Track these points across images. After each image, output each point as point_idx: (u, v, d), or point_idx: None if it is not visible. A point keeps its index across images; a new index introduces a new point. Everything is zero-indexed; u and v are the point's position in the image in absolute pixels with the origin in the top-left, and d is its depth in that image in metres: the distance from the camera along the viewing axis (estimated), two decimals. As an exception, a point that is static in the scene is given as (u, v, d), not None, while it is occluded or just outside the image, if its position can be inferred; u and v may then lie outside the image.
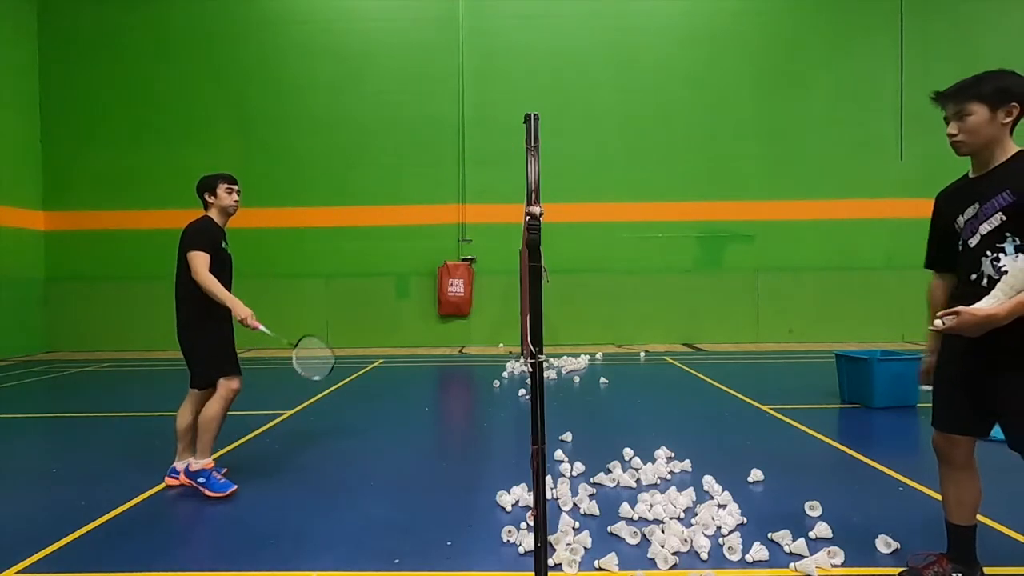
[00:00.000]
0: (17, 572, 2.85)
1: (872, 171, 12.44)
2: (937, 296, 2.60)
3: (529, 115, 2.15)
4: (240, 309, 3.81)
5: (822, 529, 3.08)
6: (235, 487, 3.83)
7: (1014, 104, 2.25)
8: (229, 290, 4.12)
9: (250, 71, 12.54)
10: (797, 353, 10.96)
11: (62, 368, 10.12)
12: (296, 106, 12.53)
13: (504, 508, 3.51)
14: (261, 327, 3.83)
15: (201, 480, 3.82)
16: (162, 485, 4.04)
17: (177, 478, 4.09)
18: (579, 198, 12.26)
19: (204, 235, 3.94)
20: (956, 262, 2.47)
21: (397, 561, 2.90)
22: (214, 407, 3.89)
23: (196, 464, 3.87)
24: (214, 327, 3.97)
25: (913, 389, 6.20)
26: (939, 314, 2.25)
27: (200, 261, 3.86)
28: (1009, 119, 2.27)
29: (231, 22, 12.59)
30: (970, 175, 2.44)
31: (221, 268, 4.01)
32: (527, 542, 2.98)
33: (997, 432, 2.41)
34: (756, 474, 3.99)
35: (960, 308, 2.19)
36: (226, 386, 3.93)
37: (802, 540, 2.93)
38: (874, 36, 12.46)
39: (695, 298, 12.46)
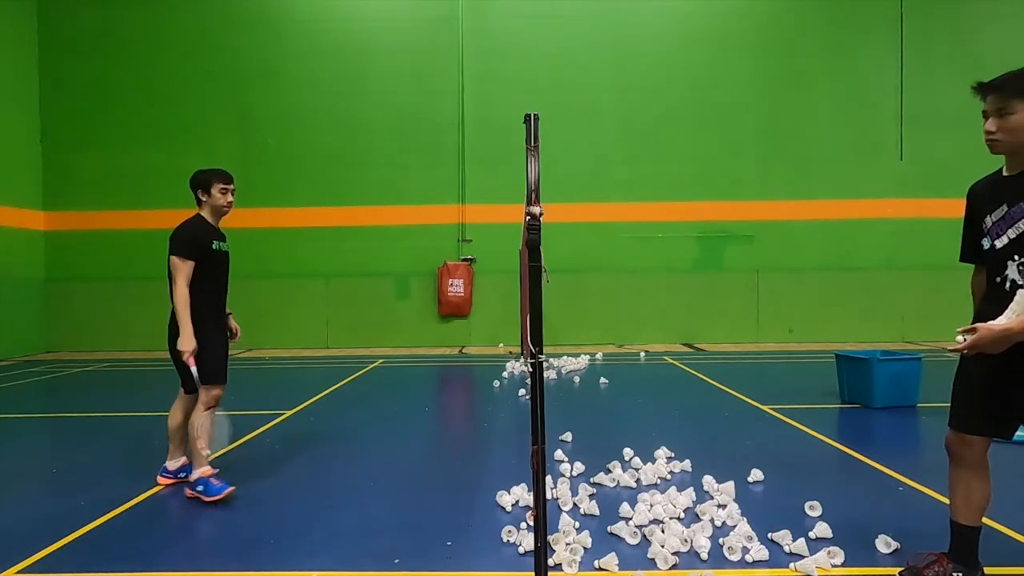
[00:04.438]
0: (17, 572, 2.85)
1: (872, 171, 12.43)
2: (981, 288, 2.50)
3: (529, 115, 2.15)
4: (187, 340, 3.68)
5: (822, 529, 3.08)
6: (232, 488, 3.73)
7: None
8: (226, 289, 4.07)
9: (250, 71, 12.53)
10: (797, 353, 10.96)
11: (62, 368, 10.11)
12: (296, 106, 12.52)
13: (504, 508, 3.51)
14: (193, 369, 3.74)
15: (200, 488, 3.71)
16: (161, 485, 4.05)
17: (169, 477, 4.10)
18: (579, 198, 12.25)
19: (192, 240, 3.80)
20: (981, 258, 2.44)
21: (397, 561, 2.90)
22: (199, 417, 3.79)
23: (194, 474, 3.75)
24: (207, 335, 3.83)
25: (913, 389, 6.20)
26: (959, 329, 2.23)
27: (180, 270, 3.72)
28: None
29: (231, 22, 12.58)
30: (1004, 172, 2.37)
31: (215, 269, 3.92)
32: (527, 542, 2.97)
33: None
34: (756, 474, 3.99)
35: (978, 325, 2.18)
36: (208, 393, 3.83)
37: (802, 540, 2.93)
38: (874, 36, 12.44)
39: (695, 298, 12.45)
